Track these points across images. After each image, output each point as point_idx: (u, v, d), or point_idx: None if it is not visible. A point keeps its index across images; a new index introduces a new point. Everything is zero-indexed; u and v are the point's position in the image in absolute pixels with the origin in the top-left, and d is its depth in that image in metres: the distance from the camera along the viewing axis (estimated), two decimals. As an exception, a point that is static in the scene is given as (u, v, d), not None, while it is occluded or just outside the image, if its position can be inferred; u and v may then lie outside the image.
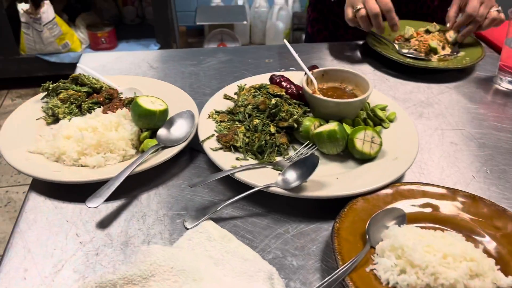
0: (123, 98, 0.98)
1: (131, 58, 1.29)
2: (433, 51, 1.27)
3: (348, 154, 0.86)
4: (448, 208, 0.75)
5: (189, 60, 1.28)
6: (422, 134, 0.99)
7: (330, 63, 1.29)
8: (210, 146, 0.85)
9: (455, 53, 1.27)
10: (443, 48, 1.29)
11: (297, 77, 1.06)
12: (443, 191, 0.77)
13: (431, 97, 1.14)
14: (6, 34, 2.80)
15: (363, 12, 1.17)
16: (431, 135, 0.99)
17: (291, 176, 0.77)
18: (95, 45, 3.05)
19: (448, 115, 1.06)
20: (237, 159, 0.83)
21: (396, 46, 1.30)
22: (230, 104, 0.99)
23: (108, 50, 3.04)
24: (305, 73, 0.98)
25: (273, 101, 0.90)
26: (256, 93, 0.95)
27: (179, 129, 0.88)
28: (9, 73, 2.98)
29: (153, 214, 0.77)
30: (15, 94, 3.10)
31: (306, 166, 0.76)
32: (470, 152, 0.94)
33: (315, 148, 0.87)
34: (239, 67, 1.25)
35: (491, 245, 0.69)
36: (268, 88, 0.96)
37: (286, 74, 1.07)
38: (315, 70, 1.00)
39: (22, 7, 2.73)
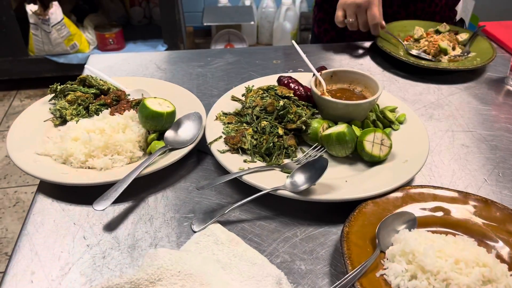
0: (131, 99, 0.98)
1: (139, 60, 1.29)
2: (443, 51, 1.25)
3: (357, 156, 0.85)
4: (459, 212, 0.73)
5: (196, 61, 1.28)
6: (432, 136, 0.97)
7: (339, 64, 1.28)
8: (217, 148, 0.85)
9: (465, 54, 1.26)
10: (453, 48, 1.27)
11: (305, 78, 1.05)
12: (455, 194, 0.76)
13: (441, 98, 1.12)
14: (14, 35, 2.82)
15: (354, 24, 1.26)
16: (441, 137, 0.98)
17: (300, 179, 0.76)
18: (103, 46, 3.06)
19: (459, 117, 1.05)
20: (244, 161, 0.82)
21: (406, 46, 1.29)
22: (238, 105, 0.98)
23: (115, 51, 3.05)
24: (314, 74, 0.97)
25: (281, 102, 0.89)
26: (264, 95, 0.94)
27: (187, 131, 0.88)
28: (17, 74, 3.01)
29: (160, 217, 0.76)
30: (23, 94, 3.12)
31: (315, 169, 0.76)
32: (482, 154, 0.93)
33: (324, 150, 0.86)
34: (247, 68, 1.24)
35: (504, 250, 0.68)
36: (276, 90, 0.95)
37: (294, 75, 1.06)
38: (323, 71, 0.99)
39: (31, 8, 2.74)
